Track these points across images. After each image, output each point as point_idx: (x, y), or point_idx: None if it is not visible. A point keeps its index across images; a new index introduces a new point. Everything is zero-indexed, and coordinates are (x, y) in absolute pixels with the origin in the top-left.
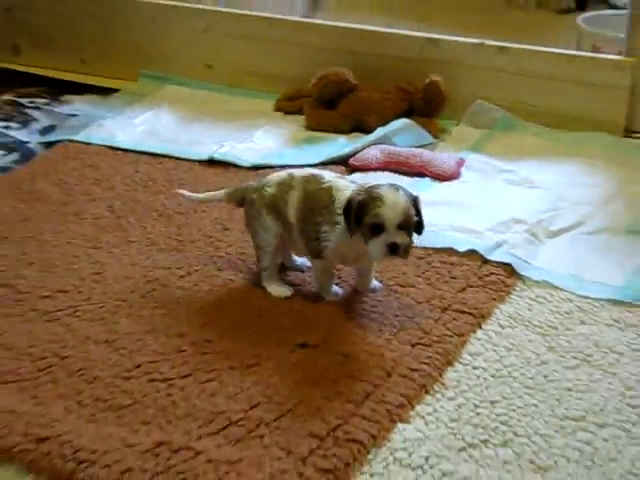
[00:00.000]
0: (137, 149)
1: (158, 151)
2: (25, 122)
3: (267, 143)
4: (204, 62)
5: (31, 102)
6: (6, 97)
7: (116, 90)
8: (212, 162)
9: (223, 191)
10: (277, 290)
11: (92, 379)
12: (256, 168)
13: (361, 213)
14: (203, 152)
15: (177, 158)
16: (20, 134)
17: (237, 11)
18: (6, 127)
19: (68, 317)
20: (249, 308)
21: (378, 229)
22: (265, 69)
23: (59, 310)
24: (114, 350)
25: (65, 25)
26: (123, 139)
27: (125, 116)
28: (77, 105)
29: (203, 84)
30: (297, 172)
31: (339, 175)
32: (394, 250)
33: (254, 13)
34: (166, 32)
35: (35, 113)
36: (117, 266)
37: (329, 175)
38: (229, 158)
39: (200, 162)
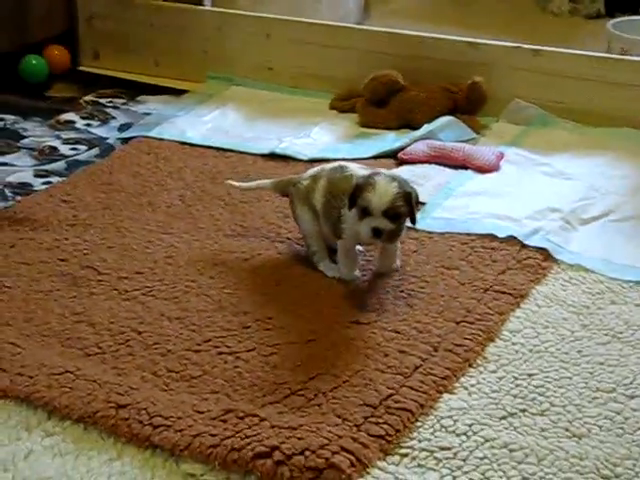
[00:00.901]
0: (205, 144)
1: (224, 146)
2: (105, 120)
3: (323, 139)
4: (266, 65)
5: (110, 102)
6: (88, 98)
7: (186, 91)
8: (273, 156)
9: (269, 181)
10: (329, 269)
11: (166, 352)
12: (313, 161)
13: (355, 196)
14: (265, 147)
15: (241, 152)
16: (100, 131)
17: (295, 18)
18: (88, 125)
19: (144, 296)
20: (307, 288)
21: (365, 212)
22: (321, 71)
23: (136, 290)
24: (185, 326)
25: (141, 32)
26: (193, 135)
27: (194, 114)
28: (151, 104)
29: (265, 85)
30: (327, 165)
31: (364, 166)
32: (377, 234)
33: (311, 20)
34: (231, 38)
35: (114, 112)
36: (187, 250)
37: (353, 166)
38: (289, 152)
39: (262, 156)
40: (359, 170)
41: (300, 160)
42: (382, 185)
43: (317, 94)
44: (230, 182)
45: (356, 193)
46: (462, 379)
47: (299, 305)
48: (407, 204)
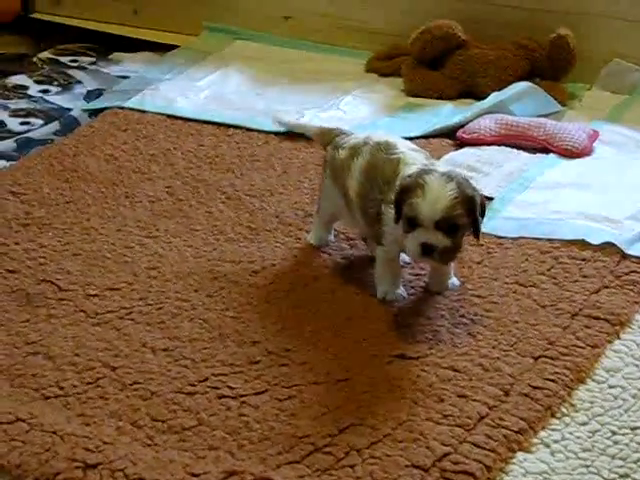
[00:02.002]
0: (200, 118)
1: (226, 121)
2: (67, 85)
3: (357, 111)
4: (281, 13)
5: (74, 61)
6: (44, 55)
7: (175, 46)
8: (291, 134)
9: (317, 127)
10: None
11: (149, 395)
12: None
13: (402, 200)
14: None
15: (249, 129)
16: (61, 99)
17: None
18: (44, 91)
19: (120, 320)
20: (336, 311)
21: (413, 223)
22: (355, 21)
23: (109, 311)
24: (175, 360)
25: None
26: (184, 106)
27: (186, 78)
28: (128, 65)
29: (280, 39)
30: (374, 136)
31: (417, 148)
32: (427, 252)
33: None
34: None
35: (78, 74)
36: (177, 259)
37: (404, 145)
38: None
39: (277, 134)
40: (411, 153)
41: None
42: (435, 188)
43: (350, 52)
44: (278, 115)
45: (402, 197)
46: (542, 433)
47: (325, 333)
48: (468, 213)
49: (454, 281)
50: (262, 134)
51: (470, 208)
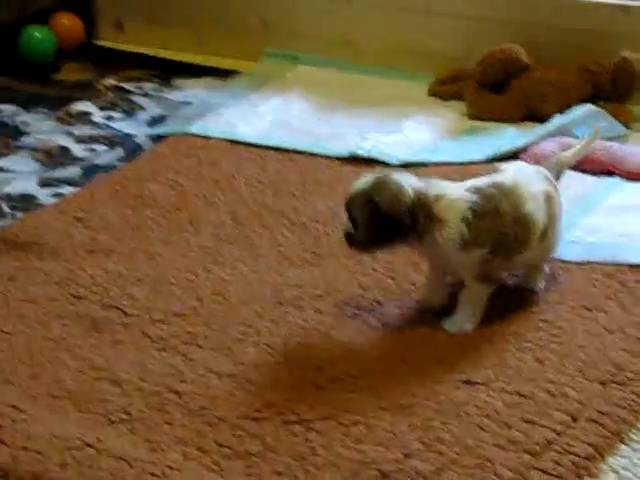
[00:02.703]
0: (263, 143)
1: (289, 146)
2: (131, 111)
3: (420, 135)
4: (343, 37)
5: (137, 87)
6: (108, 82)
7: (237, 72)
8: (354, 159)
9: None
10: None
11: (215, 420)
12: (406, 166)
13: None
14: (343, 147)
15: (312, 154)
16: (125, 126)
17: None
18: (108, 117)
19: (185, 345)
20: (401, 336)
21: None
22: (418, 45)
23: (174, 337)
24: (240, 385)
25: None
26: (246, 131)
27: (248, 103)
28: (191, 91)
29: (342, 64)
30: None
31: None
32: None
33: None
34: (298, 2)
35: (142, 100)
36: (242, 285)
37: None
38: (374, 154)
39: (339, 159)
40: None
41: (389, 164)
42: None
43: (412, 76)
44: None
45: None
46: (610, 460)
47: (391, 359)
48: (366, 211)
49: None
50: (325, 159)
51: (370, 208)
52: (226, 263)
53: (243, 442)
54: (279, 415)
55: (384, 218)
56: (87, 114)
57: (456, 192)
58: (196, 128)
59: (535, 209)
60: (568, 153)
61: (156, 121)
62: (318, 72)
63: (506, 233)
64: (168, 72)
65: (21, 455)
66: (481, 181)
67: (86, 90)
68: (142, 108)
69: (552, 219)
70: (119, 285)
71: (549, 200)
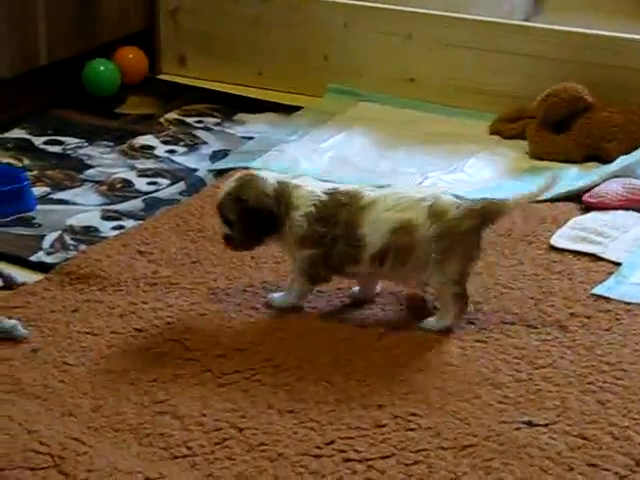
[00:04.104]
0: (325, 179)
1: (350, 182)
2: (193, 146)
3: (481, 174)
4: (405, 75)
5: (199, 122)
6: (171, 115)
7: (299, 108)
8: None
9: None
10: None
11: (276, 456)
12: None
13: None
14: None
15: None
16: (187, 160)
17: (447, 14)
18: (171, 151)
19: (246, 381)
20: (463, 375)
21: None
22: (479, 84)
23: (236, 372)
24: (301, 422)
25: (240, 31)
26: (308, 167)
27: (310, 139)
28: (253, 126)
29: (403, 101)
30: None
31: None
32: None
33: (467, 16)
34: (360, 39)
35: (204, 135)
36: (302, 321)
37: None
38: None
39: None
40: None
41: None
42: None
43: (474, 114)
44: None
45: None
46: None
47: (452, 398)
48: (239, 211)
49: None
50: None
51: (240, 207)
52: None
53: (304, 479)
54: (340, 453)
55: (255, 214)
56: (150, 148)
57: (311, 187)
58: (258, 163)
59: (370, 232)
60: (517, 198)
61: (218, 155)
62: (380, 109)
63: (338, 241)
64: (230, 107)
65: None
66: (345, 187)
67: (149, 124)
68: (204, 142)
69: (405, 248)
70: (181, 319)
71: (405, 229)
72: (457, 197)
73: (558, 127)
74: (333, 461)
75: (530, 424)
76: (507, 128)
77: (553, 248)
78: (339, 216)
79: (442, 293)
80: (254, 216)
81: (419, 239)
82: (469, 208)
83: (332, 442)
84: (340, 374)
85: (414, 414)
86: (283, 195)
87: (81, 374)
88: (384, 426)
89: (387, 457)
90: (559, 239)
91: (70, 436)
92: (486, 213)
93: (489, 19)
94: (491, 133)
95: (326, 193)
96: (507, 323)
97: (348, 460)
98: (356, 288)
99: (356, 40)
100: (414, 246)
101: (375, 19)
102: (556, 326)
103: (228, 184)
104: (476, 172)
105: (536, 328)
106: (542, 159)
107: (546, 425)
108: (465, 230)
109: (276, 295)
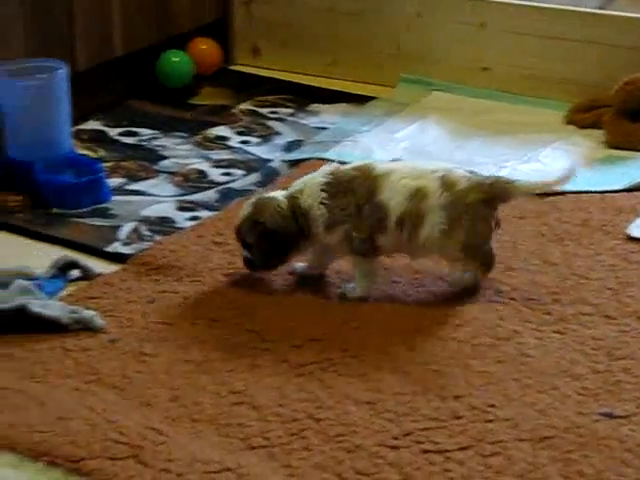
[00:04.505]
0: None
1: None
2: (267, 136)
3: (557, 163)
4: (479, 64)
5: (273, 112)
6: (245, 106)
7: (372, 98)
8: None
9: None
10: None
11: (353, 447)
12: (544, 194)
13: None
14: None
15: None
16: (261, 150)
17: (521, 2)
18: (245, 142)
19: (322, 372)
20: (541, 366)
21: None
22: (554, 73)
23: (312, 363)
24: (378, 413)
25: (314, 21)
26: (382, 157)
27: (384, 129)
28: (327, 116)
29: (477, 91)
30: None
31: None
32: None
33: (540, 4)
34: (433, 28)
35: (278, 125)
36: (378, 311)
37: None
38: None
39: None
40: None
41: None
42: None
43: (549, 103)
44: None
45: None
46: None
47: (530, 389)
48: (257, 234)
49: None
50: None
51: (259, 230)
52: None
53: (381, 470)
54: (417, 444)
55: (274, 235)
56: (224, 139)
57: (312, 179)
58: (332, 154)
59: (389, 197)
60: (528, 182)
61: (292, 146)
62: (453, 98)
63: (362, 208)
64: (304, 97)
65: (162, 477)
66: (344, 165)
67: (223, 115)
68: (278, 133)
69: (419, 214)
70: (257, 309)
71: (418, 196)
72: (470, 172)
73: (635, 116)
74: (411, 452)
75: (610, 416)
76: (581, 118)
77: (631, 238)
78: (355, 187)
79: (449, 259)
80: (274, 237)
81: (430, 206)
82: (479, 182)
83: (409, 433)
84: (417, 365)
85: (492, 405)
86: (294, 207)
87: (158, 364)
88: (461, 417)
89: (465, 448)
90: (637, 229)
91: (148, 426)
92: (495, 190)
93: (563, 7)
94: (566, 122)
95: (329, 174)
96: (585, 314)
97: (426, 451)
98: (301, 264)
99: (429, 29)
100: (426, 213)
101: (449, 8)
102: (634, 317)
103: (244, 208)
104: (551, 162)
105: (614, 319)
106: (618, 148)
107: (626, 417)
108: (472, 202)
109: (349, 286)
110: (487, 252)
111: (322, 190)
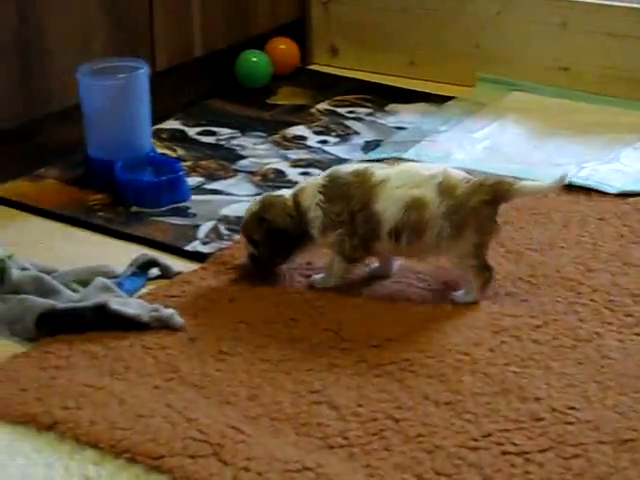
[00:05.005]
0: (478, 169)
1: (503, 172)
2: (345, 136)
3: (638, 164)
4: (559, 64)
5: (351, 112)
6: (322, 106)
7: (450, 98)
8: (570, 187)
9: None
10: None
11: (433, 448)
12: (624, 195)
13: None
14: (559, 174)
15: None
16: (339, 150)
17: (602, 2)
18: (323, 142)
19: (401, 372)
20: (623, 369)
21: None
22: (635, 73)
23: (391, 363)
24: (457, 414)
25: (392, 21)
26: (461, 157)
27: (462, 129)
28: (405, 116)
29: (557, 91)
30: None
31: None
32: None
33: (622, 4)
34: (513, 27)
35: (356, 125)
36: (456, 312)
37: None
38: (591, 183)
39: None
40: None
41: (606, 193)
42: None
43: (630, 103)
44: None
45: None
46: None
47: (611, 392)
48: (265, 231)
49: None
50: None
51: (265, 227)
52: (441, 290)
53: (461, 471)
54: (497, 445)
55: (279, 232)
56: (302, 138)
57: (314, 180)
58: (410, 153)
59: (384, 209)
60: (529, 184)
61: (370, 146)
62: (533, 98)
63: (355, 216)
64: (382, 97)
65: (242, 476)
66: (345, 168)
67: (301, 114)
68: (356, 133)
69: (419, 224)
70: (335, 309)
71: (417, 207)
72: (468, 172)
73: None
74: (491, 454)
75: None
76: None
77: None
78: (351, 193)
79: (462, 268)
80: (279, 234)
81: (431, 216)
82: (479, 183)
83: (489, 435)
84: (496, 366)
85: (572, 407)
86: (297, 206)
87: (237, 363)
88: (542, 419)
89: (545, 450)
90: None
91: (228, 424)
92: (496, 191)
93: None
94: None
95: (327, 177)
96: None
97: (506, 453)
98: (375, 264)
99: (509, 28)
100: (427, 223)
101: (529, 7)
102: None
103: (251, 205)
104: (632, 162)
105: None
106: None
107: None
108: (476, 204)
109: (317, 277)
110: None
111: (320, 192)
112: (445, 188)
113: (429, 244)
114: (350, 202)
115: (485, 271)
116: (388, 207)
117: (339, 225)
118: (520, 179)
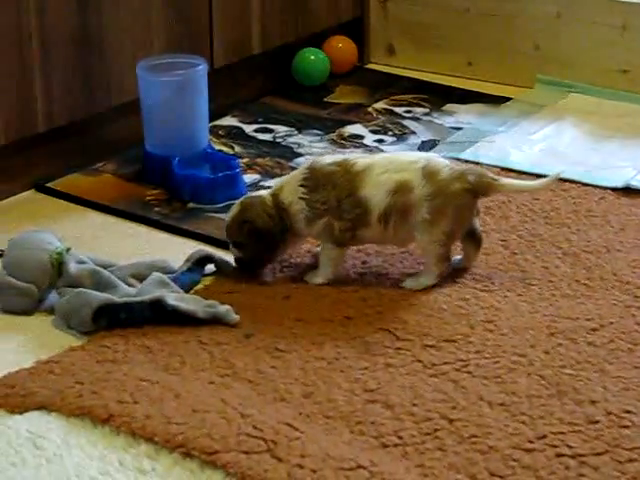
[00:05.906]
0: (535, 172)
1: (561, 175)
2: (402, 135)
3: None
4: (619, 66)
5: (408, 111)
6: (379, 105)
7: (509, 99)
8: (629, 190)
9: None
10: None
11: (487, 449)
12: None
13: None
14: (617, 178)
15: (585, 184)
16: (395, 149)
17: None
18: (379, 141)
19: (456, 372)
20: None
21: None
22: None
23: (446, 363)
24: (512, 415)
25: (450, 21)
26: (518, 159)
27: (520, 131)
28: (462, 116)
29: (617, 93)
30: None
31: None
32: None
33: None
34: (573, 29)
35: (413, 125)
36: (513, 313)
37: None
38: None
39: (614, 190)
40: None
41: None
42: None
43: None
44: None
45: None
46: None
47: None
48: (247, 233)
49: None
50: (598, 189)
51: (247, 229)
52: (497, 291)
53: (515, 473)
54: (552, 448)
55: (262, 232)
56: (359, 137)
57: (292, 176)
58: (467, 154)
59: (371, 194)
60: (512, 182)
61: (426, 146)
62: (591, 101)
63: (342, 202)
64: (439, 97)
65: (296, 473)
66: (324, 159)
67: (358, 113)
68: (413, 132)
69: (405, 208)
70: (390, 308)
71: (402, 190)
72: (451, 160)
73: None
74: (545, 456)
75: None
76: None
77: None
78: (335, 180)
79: (427, 252)
80: (262, 234)
81: (416, 199)
82: (462, 172)
83: (544, 437)
84: (552, 368)
85: (628, 411)
86: (278, 204)
87: (292, 360)
88: (597, 422)
89: (600, 454)
90: None
91: (282, 421)
92: (478, 182)
93: None
94: None
95: (307, 169)
96: None
97: (560, 455)
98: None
99: (568, 30)
100: (413, 205)
101: (589, 9)
102: None
103: (232, 209)
104: None
105: None
106: None
107: None
108: (455, 191)
109: (310, 273)
110: (477, 233)
111: (300, 185)
112: (428, 173)
113: (412, 228)
114: (336, 189)
115: (445, 261)
116: (376, 192)
117: (325, 213)
118: (576, 182)
